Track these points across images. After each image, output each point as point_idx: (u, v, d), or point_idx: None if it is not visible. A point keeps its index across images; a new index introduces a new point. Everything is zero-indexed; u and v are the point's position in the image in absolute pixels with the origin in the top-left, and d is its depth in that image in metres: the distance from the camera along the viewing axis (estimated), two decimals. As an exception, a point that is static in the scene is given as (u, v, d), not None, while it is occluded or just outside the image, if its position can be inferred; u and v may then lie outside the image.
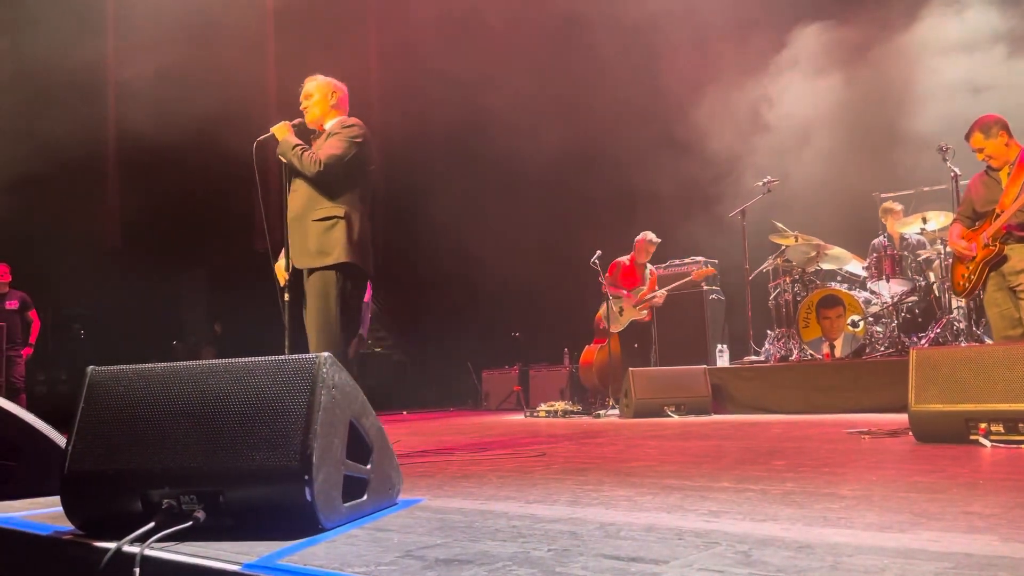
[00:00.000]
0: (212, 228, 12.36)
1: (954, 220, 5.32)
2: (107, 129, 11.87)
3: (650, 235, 8.62)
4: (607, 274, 8.51)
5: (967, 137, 4.98)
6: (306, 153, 3.97)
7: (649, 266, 8.73)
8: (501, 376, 11.19)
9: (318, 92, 4.22)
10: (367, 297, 7.23)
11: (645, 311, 8.49)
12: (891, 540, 1.73)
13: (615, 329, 8.45)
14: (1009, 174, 4.84)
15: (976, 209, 5.04)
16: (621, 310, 8.48)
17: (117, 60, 11.61)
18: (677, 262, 9.49)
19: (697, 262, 9.26)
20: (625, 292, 8.52)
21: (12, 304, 9.18)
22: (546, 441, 5.06)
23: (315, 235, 3.97)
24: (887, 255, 7.46)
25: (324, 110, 4.21)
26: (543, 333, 11.62)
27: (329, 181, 3.99)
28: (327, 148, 4.01)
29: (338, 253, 3.95)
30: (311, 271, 4.00)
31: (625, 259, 8.70)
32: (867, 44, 9.47)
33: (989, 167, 4.96)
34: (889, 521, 1.95)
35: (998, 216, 4.82)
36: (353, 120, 4.17)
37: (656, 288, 8.56)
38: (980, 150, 4.92)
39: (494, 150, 11.78)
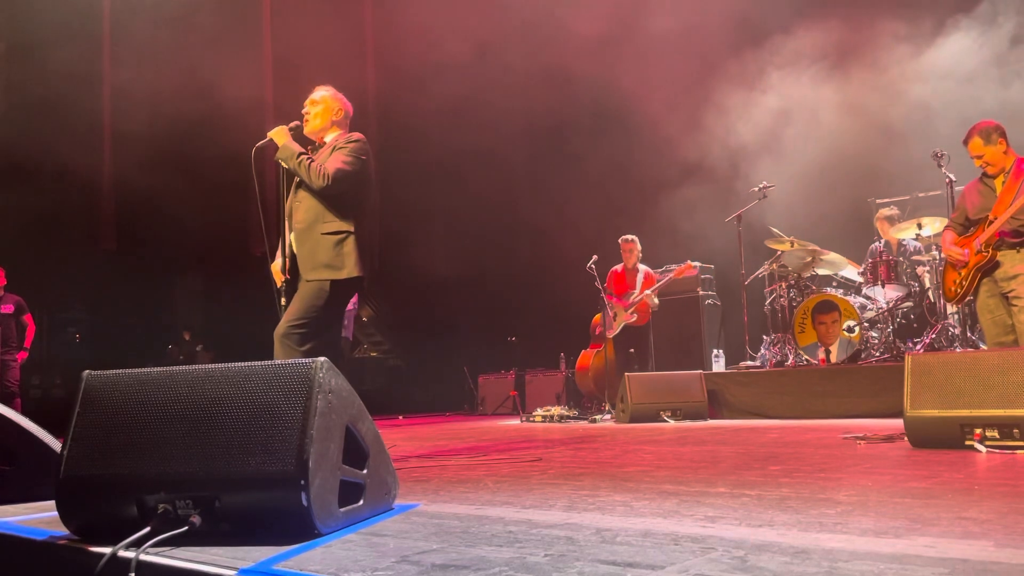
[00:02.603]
0: (208, 232, 12.35)
1: (946, 227, 5.33)
2: (103, 132, 11.85)
3: (624, 236, 8.71)
4: (605, 284, 8.55)
5: (965, 142, 4.95)
6: (313, 164, 3.96)
7: (642, 268, 8.73)
8: (497, 381, 11.19)
9: (324, 103, 4.21)
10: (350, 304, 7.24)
11: (636, 315, 8.49)
12: (887, 545, 1.74)
13: (610, 334, 8.47)
14: (1004, 182, 4.85)
15: (969, 216, 5.05)
16: (615, 315, 8.50)
17: (113, 62, 11.60)
18: (673, 267, 9.50)
19: (693, 266, 9.28)
20: (616, 299, 8.55)
21: (7, 308, 9.15)
22: (542, 446, 5.05)
23: (325, 248, 3.97)
24: (882, 260, 7.48)
25: (325, 123, 4.20)
26: (539, 338, 11.63)
27: (337, 195, 3.98)
28: (334, 162, 3.99)
29: (350, 267, 3.97)
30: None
31: (618, 267, 8.76)
32: (863, 48, 9.51)
33: (984, 174, 4.97)
34: (885, 526, 1.95)
35: (991, 222, 4.83)
36: (357, 135, 4.17)
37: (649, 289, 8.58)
38: (979, 156, 4.90)
39: (492, 155, 11.80)
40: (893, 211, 8.00)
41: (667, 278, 8.81)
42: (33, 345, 9.56)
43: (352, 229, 4.01)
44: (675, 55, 9.99)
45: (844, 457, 3.66)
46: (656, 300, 8.62)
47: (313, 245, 3.99)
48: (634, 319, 8.48)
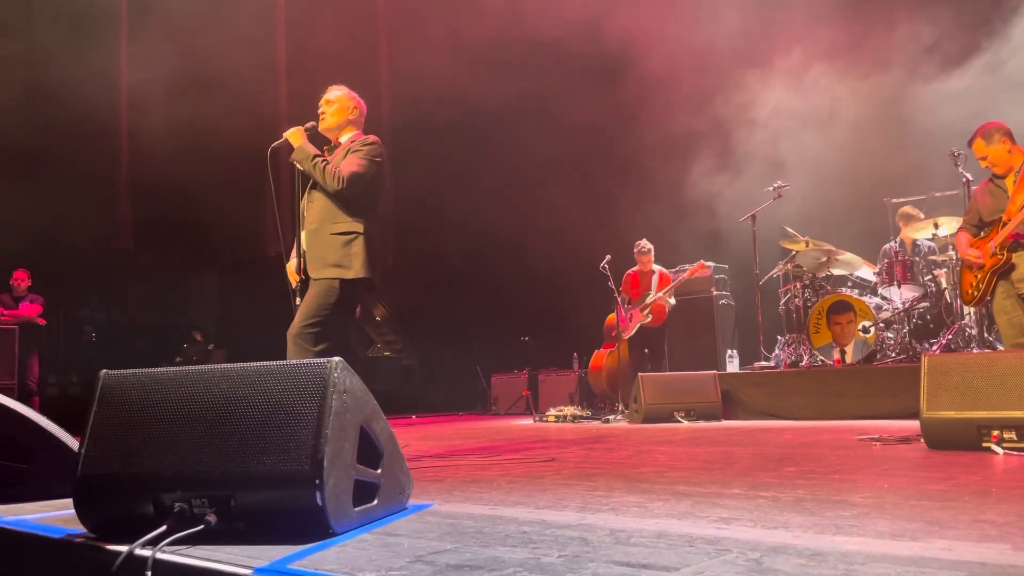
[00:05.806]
0: (223, 231, 12.41)
1: (960, 229, 5.30)
2: (120, 131, 11.93)
3: (638, 244, 8.74)
4: (620, 286, 8.59)
5: (970, 143, 5.00)
6: (328, 167, 4.00)
7: (657, 268, 8.74)
8: (510, 380, 11.18)
9: (339, 103, 4.24)
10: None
11: (651, 316, 8.49)
12: (903, 548, 1.73)
13: (626, 335, 8.48)
14: (1015, 182, 4.81)
15: (983, 218, 5.02)
16: (631, 317, 8.52)
17: (129, 64, 11.68)
18: (687, 267, 9.48)
19: (706, 266, 9.25)
20: (623, 311, 8.59)
21: (29, 306, 9.27)
22: (555, 446, 5.05)
23: (334, 248, 4.00)
24: (898, 261, 7.43)
25: (340, 122, 4.24)
26: (552, 338, 11.61)
27: (349, 197, 4.01)
28: (349, 165, 4.02)
29: (357, 268, 4.00)
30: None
31: (632, 269, 8.83)
32: (879, 47, 9.44)
33: (994, 175, 4.94)
34: (901, 529, 1.94)
35: (1005, 224, 4.79)
36: (372, 138, 4.20)
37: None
38: (983, 157, 4.91)
39: (504, 154, 11.79)
40: (916, 209, 7.95)
41: (680, 278, 8.80)
42: (50, 343, 9.65)
43: (361, 230, 4.03)
44: (692, 54, 9.95)
45: (860, 459, 3.63)
46: (672, 300, 8.61)
47: (323, 245, 4.02)
48: (649, 320, 8.48)
